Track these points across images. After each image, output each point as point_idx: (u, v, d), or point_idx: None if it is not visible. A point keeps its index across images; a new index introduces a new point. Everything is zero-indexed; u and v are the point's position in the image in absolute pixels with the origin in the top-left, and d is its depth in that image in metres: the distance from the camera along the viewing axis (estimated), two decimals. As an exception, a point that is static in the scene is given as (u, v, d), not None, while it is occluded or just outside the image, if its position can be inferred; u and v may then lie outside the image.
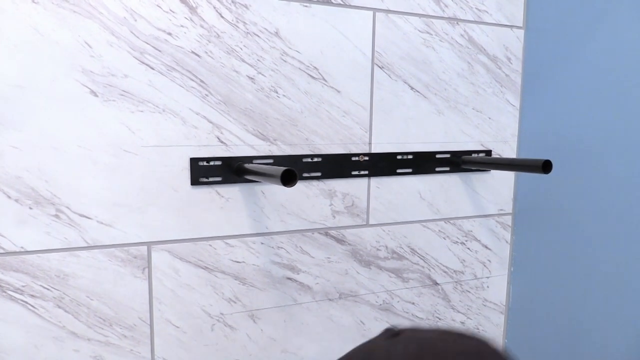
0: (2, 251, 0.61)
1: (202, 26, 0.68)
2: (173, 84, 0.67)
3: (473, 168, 0.87)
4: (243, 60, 0.70)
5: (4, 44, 0.59)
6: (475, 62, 0.87)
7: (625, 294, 0.77)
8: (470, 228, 0.91)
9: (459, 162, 0.87)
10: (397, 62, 0.81)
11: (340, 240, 0.80)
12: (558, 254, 0.87)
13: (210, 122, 0.69)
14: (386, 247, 0.84)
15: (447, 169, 0.87)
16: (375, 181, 0.82)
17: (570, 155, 0.83)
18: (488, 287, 0.95)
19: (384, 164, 0.81)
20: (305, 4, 0.73)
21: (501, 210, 0.94)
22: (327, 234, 0.79)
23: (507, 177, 0.93)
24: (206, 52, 0.68)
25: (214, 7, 0.68)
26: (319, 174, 0.77)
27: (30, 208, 0.62)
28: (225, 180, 0.71)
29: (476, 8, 0.86)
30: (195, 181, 0.69)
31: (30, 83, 0.60)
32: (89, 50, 0.62)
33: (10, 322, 0.63)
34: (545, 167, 0.71)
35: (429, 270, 0.89)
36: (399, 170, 0.83)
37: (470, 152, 0.88)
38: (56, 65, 0.61)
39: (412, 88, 0.82)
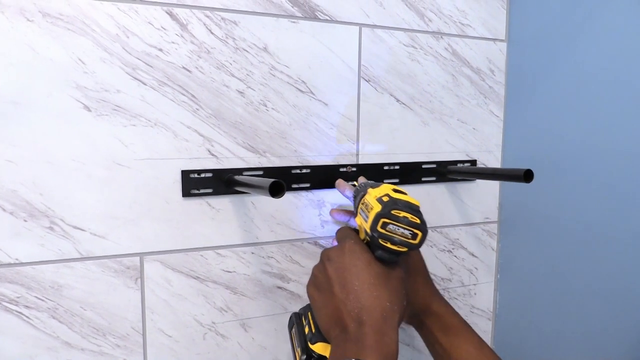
0: (-3, 263, 0.63)
1: (192, 42, 0.70)
2: (164, 99, 0.69)
3: (458, 178, 0.90)
4: (233, 75, 0.72)
5: (0, 61, 0.60)
6: (459, 75, 0.90)
7: (611, 300, 0.79)
8: (456, 236, 0.94)
9: (444, 172, 0.89)
10: (383, 76, 0.83)
11: (329, 250, 0.82)
12: (544, 260, 0.89)
13: (201, 136, 0.71)
14: (374, 255, 0.86)
15: (433, 178, 0.89)
16: (363, 191, 0.84)
17: (554, 163, 0.86)
18: (475, 294, 0.97)
19: (371, 175, 0.83)
20: (293, 20, 0.75)
21: (487, 218, 0.96)
22: (316, 244, 0.81)
23: (492, 186, 0.96)
24: (197, 68, 0.70)
25: (204, 24, 0.70)
26: (307, 184, 0.79)
27: (25, 221, 0.63)
28: (216, 192, 0.73)
29: (460, 22, 0.88)
30: (186, 193, 0.71)
31: (25, 99, 0.62)
32: (83, 67, 0.64)
33: (5, 333, 0.64)
34: (526, 176, 0.73)
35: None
36: (386, 181, 0.85)
37: (455, 162, 0.91)
38: (50, 81, 0.63)
39: (398, 100, 0.85)
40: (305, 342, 0.61)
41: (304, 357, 0.59)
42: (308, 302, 0.64)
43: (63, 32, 0.63)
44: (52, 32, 0.62)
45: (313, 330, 0.61)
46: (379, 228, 0.56)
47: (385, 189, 0.62)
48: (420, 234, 0.56)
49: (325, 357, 0.59)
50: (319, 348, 0.59)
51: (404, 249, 0.57)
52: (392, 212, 0.56)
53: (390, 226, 0.56)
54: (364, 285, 0.57)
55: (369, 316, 0.55)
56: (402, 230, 0.56)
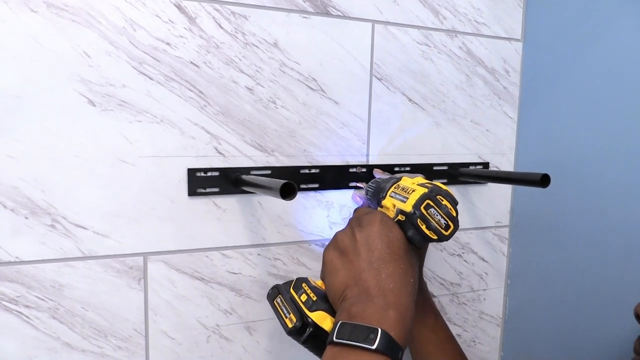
0: (-4, 261, 0.61)
1: (201, 36, 0.67)
2: (171, 94, 0.67)
3: (470, 180, 0.87)
4: (242, 71, 0.70)
5: (2, 54, 0.59)
6: (473, 75, 0.87)
7: (624, 308, 0.77)
8: (467, 240, 0.91)
9: (456, 174, 0.87)
10: (395, 74, 0.81)
11: (337, 252, 0.80)
12: (555, 266, 0.87)
13: (208, 133, 0.69)
14: (383, 258, 0.84)
15: (445, 180, 0.87)
16: (373, 193, 0.81)
17: (568, 168, 0.83)
18: (484, 299, 0.95)
19: (381, 176, 0.81)
20: (304, 16, 0.73)
21: (498, 222, 0.94)
22: (323, 246, 0.79)
23: (504, 190, 0.93)
24: (205, 63, 0.68)
25: (213, 18, 0.68)
26: (316, 185, 0.77)
27: (26, 218, 0.62)
28: (223, 191, 0.71)
29: (475, 21, 0.86)
30: (192, 192, 0.69)
31: (28, 92, 0.60)
32: (88, 60, 0.62)
33: (4, 333, 0.62)
34: (543, 181, 0.71)
35: (426, 282, 0.88)
36: (396, 182, 0.83)
37: (467, 165, 0.88)
38: (54, 74, 0.61)
39: (410, 100, 0.83)
40: (300, 309, 0.59)
41: (299, 323, 0.58)
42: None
43: (68, 24, 0.61)
44: (57, 24, 0.60)
45: (314, 299, 0.59)
46: (422, 208, 0.58)
47: (422, 179, 0.64)
48: (452, 227, 0.58)
49: (320, 327, 0.57)
50: (317, 317, 0.58)
51: (435, 237, 0.58)
52: (437, 197, 0.58)
53: (432, 210, 0.58)
54: (395, 255, 0.57)
55: (395, 285, 0.54)
56: (439, 217, 0.58)
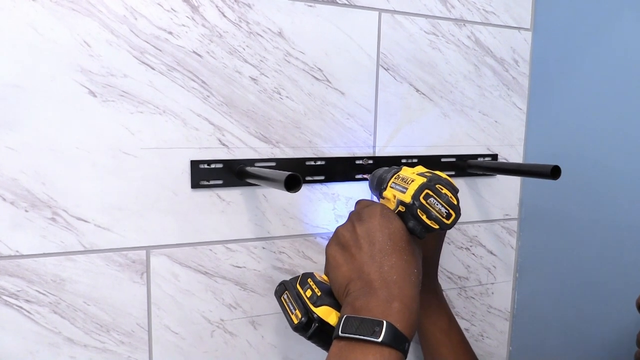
0: (-4, 255, 0.60)
1: (204, 25, 0.66)
2: (174, 85, 0.65)
3: (479, 172, 0.86)
4: (246, 61, 0.69)
5: (1, 43, 0.57)
6: (481, 65, 0.85)
7: (632, 302, 0.76)
8: (475, 233, 0.90)
9: (464, 166, 0.85)
10: (402, 64, 0.79)
11: (343, 245, 0.79)
12: (564, 260, 0.86)
13: (212, 124, 0.68)
14: (390, 252, 0.82)
15: (453, 173, 0.85)
16: (380, 185, 0.80)
17: (578, 160, 0.82)
18: (493, 293, 0.94)
19: (388, 168, 0.80)
20: (309, 4, 0.71)
21: (507, 215, 0.92)
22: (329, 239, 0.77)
23: (513, 182, 0.92)
24: (208, 52, 0.67)
25: (217, 6, 0.66)
26: (322, 177, 0.75)
27: (26, 211, 0.60)
28: (227, 184, 0.69)
29: (483, 9, 0.84)
30: (195, 184, 0.68)
31: (27, 83, 0.59)
32: (88, 50, 0.61)
33: (4, 328, 0.61)
34: (554, 173, 0.69)
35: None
36: (403, 174, 0.81)
37: (476, 156, 0.87)
38: (54, 64, 0.59)
39: (417, 90, 0.81)
40: (305, 304, 0.59)
41: (304, 319, 0.58)
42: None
43: (67, 13, 0.59)
44: (56, 13, 0.59)
45: (318, 294, 0.59)
46: (421, 198, 0.57)
47: (423, 168, 0.63)
48: (454, 215, 0.58)
49: (326, 322, 0.57)
50: (322, 312, 0.58)
51: (436, 226, 0.57)
52: (437, 186, 0.58)
53: (431, 199, 0.57)
54: (396, 247, 0.56)
55: (399, 276, 0.54)
56: (440, 206, 0.57)
